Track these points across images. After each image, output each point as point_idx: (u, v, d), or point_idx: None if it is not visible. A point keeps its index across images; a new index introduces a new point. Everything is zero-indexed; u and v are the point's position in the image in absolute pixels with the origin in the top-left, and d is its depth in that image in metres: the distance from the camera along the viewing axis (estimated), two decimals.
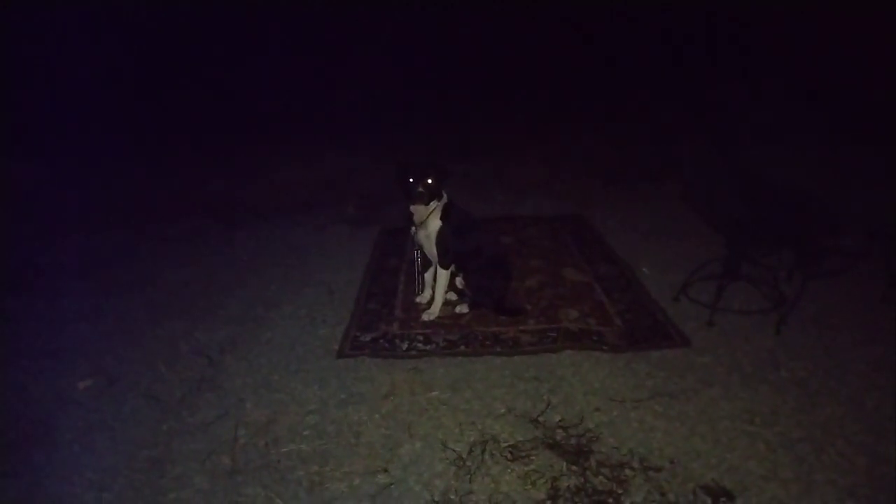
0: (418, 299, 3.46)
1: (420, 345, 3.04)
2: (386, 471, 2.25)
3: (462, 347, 3.01)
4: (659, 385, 2.69)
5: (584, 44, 9.13)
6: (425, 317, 3.26)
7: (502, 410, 2.55)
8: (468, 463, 2.26)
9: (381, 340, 3.09)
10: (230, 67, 8.66)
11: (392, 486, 2.18)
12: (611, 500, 2.09)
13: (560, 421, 2.47)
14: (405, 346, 3.03)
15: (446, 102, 8.49)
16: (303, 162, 6.48)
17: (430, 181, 3.00)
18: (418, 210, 3.08)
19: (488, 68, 9.06)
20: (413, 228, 3.19)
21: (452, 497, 2.13)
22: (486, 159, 6.41)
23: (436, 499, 2.12)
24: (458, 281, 3.39)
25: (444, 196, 3.14)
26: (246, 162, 6.62)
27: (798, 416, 2.49)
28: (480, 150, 6.68)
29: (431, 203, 3.07)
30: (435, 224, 3.10)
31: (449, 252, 3.14)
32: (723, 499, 2.10)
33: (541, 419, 2.48)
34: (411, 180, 2.99)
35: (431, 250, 3.17)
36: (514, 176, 5.99)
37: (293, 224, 4.82)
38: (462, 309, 3.33)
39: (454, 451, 2.33)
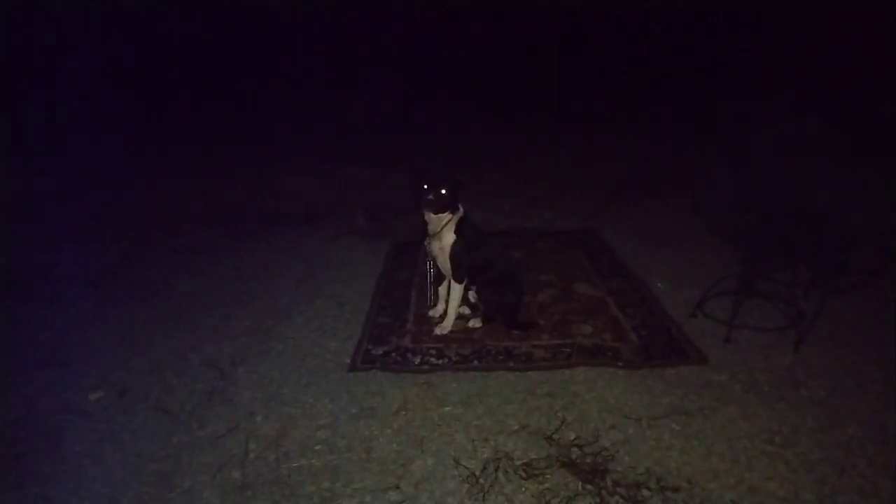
0: (431, 313, 3.43)
1: (432, 359, 3.00)
2: (398, 487, 2.21)
3: (475, 362, 2.97)
4: (675, 403, 2.65)
5: (594, 56, 9.13)
6: (438, 331, 3.23)
7: (516, 427, 2.51)
8: (481, 481, 2.22)
9: (393, 354, 3.06)
10: (238, 76, 8.70)
11: None
12: None
13: (575, 439, 2.43)
14: (417, 360, 3.00)
15: (455, 115, 8.50)
16: (313, 172, 6.49)
17: (443, 191, 2.98)
18: (432, 220, 3.07)
19: (497, 81, 9.07)
20: (427, 240, 3.17)
21: None
22: (494, 172, 6.42)
23: None
24: (471, 295, 3.36)
25: (460, 209, 3.11)
26: (256, 171, 6.63)
27: (818, 436, 2.44)
28: (489, 163, 6.68)
29: (445, 215, 3.05)
30: (449, 237, 3.07)
31: (463, 266, 3.11)
32: None
33: (555, 436, 2.44)
34: (425, 187, 2.97)
35: (445, 264, 3.15)
36: (523, 189, 5.99)
37: (303, 235, 4.82)
38: (475, 323, 3.29)
39: (467, 468, 2.29)
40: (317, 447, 2.43)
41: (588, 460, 2.31)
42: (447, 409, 2.64)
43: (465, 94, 8.88)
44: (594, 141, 7.48)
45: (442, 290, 3.35)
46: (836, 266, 3.45)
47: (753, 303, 3.37)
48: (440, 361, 2.98)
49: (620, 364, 2.91)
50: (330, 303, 3.67)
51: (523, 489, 2.19)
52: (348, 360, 3.02)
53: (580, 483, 2.20)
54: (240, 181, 6.35)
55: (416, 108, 8.49)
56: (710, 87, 7.83)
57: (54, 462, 2.42)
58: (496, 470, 2.27)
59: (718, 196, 4.74)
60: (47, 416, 2.70)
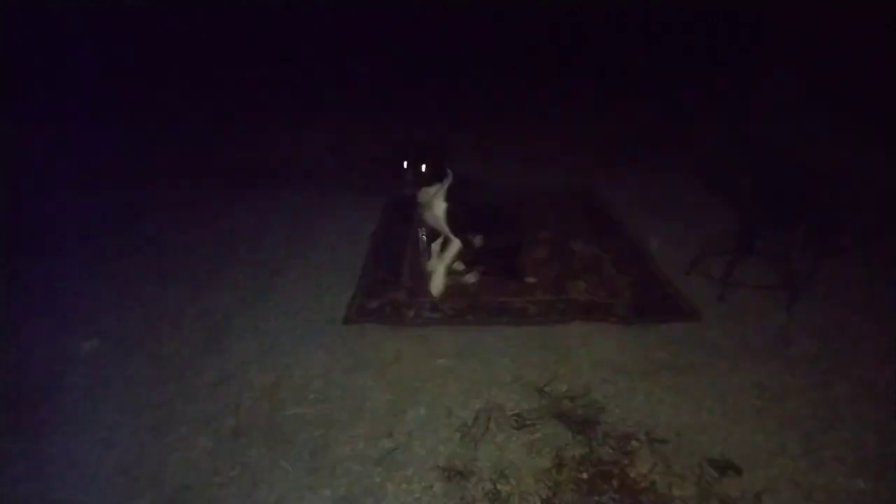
0: (427, 268, 3.41)
1: (427, 313, 3.01)
2: (391, 435, 2.24)
3: (469, 317, 2.98)
4: (667, 358, 2.67)
5: (593, 19, 8.92)
6: (433, 289, 3.20)
7: (508, 379, 2.53)
8: (473, 430, 2.25)
9: (388, 308, 3.07)
10: (235, 33, 8.51)
11: (396, 451, 2.17)
12: (616, 471, 2.08)
13: (566, 391, 2.45)
14: (412, 313, 3.00)
15: (456, 77, 8.34)
16: (308, 127, 6.40)
17: (423, 167, 2.86)
18: (422, 191, 3.00)
19: (498, 41, 8.88)
20: (419, 207, 3.12)
21: (457, 463, 2.11)
22: (495, 133, 6.33)
23: (440, 464, 2.11)
24: (478, 239, 3.27)
25: (449, 176, 3.02)
26: (251, 126, 6.54)
27: (808, 394, 2.47)
28: (491, 124, 6.58)
29: (434, 186, 2.98)
30: (440, 206, 3.03)
31: (458, 225, 3.08)
32: (729, 472, 2.08)
33: (547, 389, 2.46)
34: (405, 165, 2.84)
35: (442, 228, 3.11)
36: (524, 149, 5.91)
37: (299, 190, 4.77)
38: (470, 278, 3.29)
39: (459, 417, 2.31)
40: (311, 396, 2.45)
41: (579, 412, 2.34)
42: (441, 361, 2.65)
43: (465, 56, 8.70)
44: (594, 101, 7.37)
45: (436, 245, 3.33)
46: (833, 227, 3.44)
47: (749, 262, 3.36)
48: (435, 315, 2.99)
49: (614, 319, 2.92)
50: (325, 257, 3.66)
51: (514, 439, 2.22)
52: (343, 313, 3.03)
53: (571, 434, 2.23)
54: (235, 134, 6.27)
55: (415, 69, 8.31)
56: (712, 49, 7.70)
57: (51, 408, 2.44)
58: (488, 420, 2.30)
59: (718, 155, 4.70)
60: (43, 364, 2.71)
